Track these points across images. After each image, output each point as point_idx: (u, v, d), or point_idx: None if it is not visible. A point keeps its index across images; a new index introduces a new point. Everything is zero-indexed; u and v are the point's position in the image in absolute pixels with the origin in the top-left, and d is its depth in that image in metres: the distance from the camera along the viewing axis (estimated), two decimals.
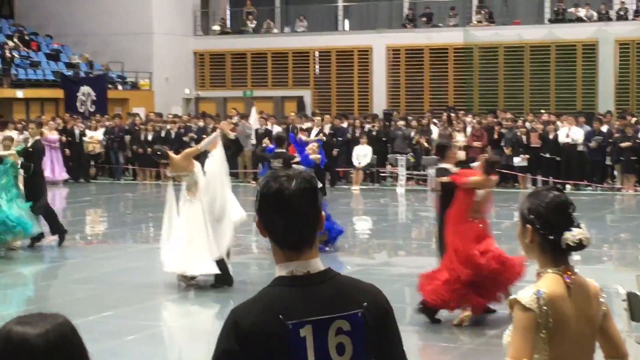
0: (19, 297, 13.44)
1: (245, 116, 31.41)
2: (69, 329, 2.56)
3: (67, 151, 30.11)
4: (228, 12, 44.14)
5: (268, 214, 3.15)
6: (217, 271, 12.87)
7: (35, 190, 16.69)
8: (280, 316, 3.05)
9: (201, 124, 30.61)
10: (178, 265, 12.93)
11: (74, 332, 2.57)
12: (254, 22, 42.01)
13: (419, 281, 11.11)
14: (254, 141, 29.42)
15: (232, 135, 14.35)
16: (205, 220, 12.82)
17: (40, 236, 16.77)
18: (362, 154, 28.08)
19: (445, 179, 11.53)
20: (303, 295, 3.11)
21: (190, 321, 12.26)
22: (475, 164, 13.38)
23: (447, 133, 27.19)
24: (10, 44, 37.93)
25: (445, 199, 11.53)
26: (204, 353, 10.44)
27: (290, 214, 3.11)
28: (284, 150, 16.25)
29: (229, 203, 13.21)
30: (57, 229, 16.97)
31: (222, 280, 13.09)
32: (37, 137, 17.44)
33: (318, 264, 3.17)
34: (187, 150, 13.82)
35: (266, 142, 22.97)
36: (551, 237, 3.81)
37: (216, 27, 42.98)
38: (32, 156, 16.84)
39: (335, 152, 28.28)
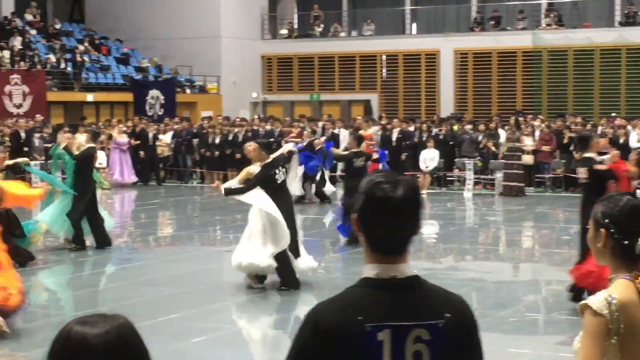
0: (86, 299, 13.57)
1: (313, 120, 31.46)
2: (129, 331, 2.55)
3: (142, 153, 30.25)
4: (296, 16, 44.26)
5: (369, 217, 3.11)
6: (265, 263, 12.86)
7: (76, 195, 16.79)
8: (360, 317, 3.01)
9: (268, 127, 30.70)
10: (237, 259, 13.05)
11: (133, 334, 2.56)
12: (322, 25, 42.10)
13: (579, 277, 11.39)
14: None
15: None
16: (263, 222, 12.88)
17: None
18: (429, 158, 27.95)
19: (602, 167, 11.45)
20: (386, 299, 3.07)
21: (256, 324, 12.29)
22: (605, 157, 13.23)
23: (515, 137, 26.97)
24: (81, 48, 38.45)
25: (592, 188, 11.46)
26: (270, 355, 10.47)
27: (393, 221, 3.09)
28: (362, 150, 17.66)
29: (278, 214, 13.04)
30: (78, 239, 16.99)
31: (289, 283, 13.12)
32: (91, 145, 17.44)
33: (407, 269, 3.13)
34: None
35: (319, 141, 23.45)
36: (625, 242, 3.74)
37: (284, 31, 43.14)
38: (78, 162, 16.88)
39: (403, 156, 28.25)
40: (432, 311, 3.09)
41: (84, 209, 16.69)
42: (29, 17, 39.55)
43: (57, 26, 40.34)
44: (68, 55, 37.20)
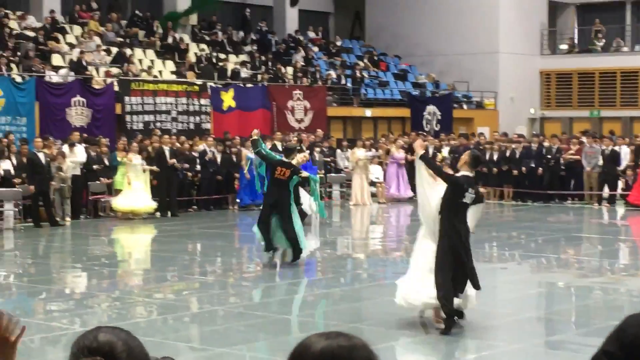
0: (344, 314, 13.74)
1: (592, 135, 30.66)
2: (346, 353, 2.45)
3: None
4: (576, 30, 43.40)
5: None
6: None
7: None
8: None
9: (546, 144, 30.20)
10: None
11: (351, 358, 2.45)
12: (603, 40, 41.07)
13: None
14: (600, 162, 28.65)
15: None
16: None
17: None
18: None
19: None
20: None
21: (533, 343, 12.03)
22: None
23: None
24: (361, 64, 39.27)
25: None
26: None
27: None
28: None
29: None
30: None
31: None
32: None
33: None
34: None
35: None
36: None
37: (563, 46, 42.41)
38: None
39: None
40: None
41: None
42: (311, 34, 40.83)
43: (338, 43, 41.41)
44: (348, 72, 38.09)
